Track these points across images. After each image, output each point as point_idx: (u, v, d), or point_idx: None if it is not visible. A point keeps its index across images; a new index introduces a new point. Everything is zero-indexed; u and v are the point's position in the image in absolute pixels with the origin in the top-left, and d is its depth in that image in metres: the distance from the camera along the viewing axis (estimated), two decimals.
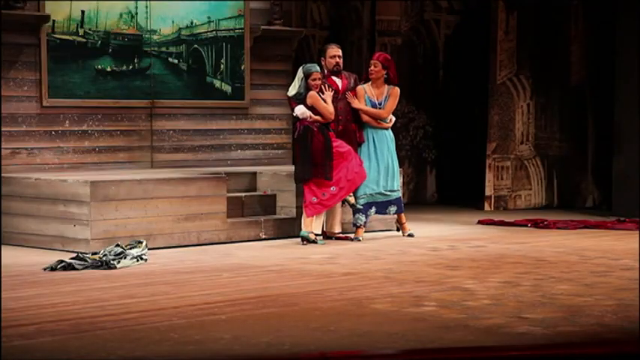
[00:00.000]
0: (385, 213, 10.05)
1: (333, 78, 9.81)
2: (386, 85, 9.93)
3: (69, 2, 10.02)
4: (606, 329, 5.70)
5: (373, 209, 9.97)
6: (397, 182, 10.05)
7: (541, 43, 12.84)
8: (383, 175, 9.92)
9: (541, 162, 13.01)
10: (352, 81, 9.94)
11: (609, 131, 12.21)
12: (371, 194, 9.90)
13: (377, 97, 9.90)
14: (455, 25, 13.62)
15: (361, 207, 9.84)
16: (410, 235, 10.07)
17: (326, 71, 9.79)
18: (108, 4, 10.27)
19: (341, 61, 9.85)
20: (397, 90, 9.96)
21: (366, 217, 9.95)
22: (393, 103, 9.93)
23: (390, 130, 10.05)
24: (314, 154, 9.45)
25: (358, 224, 9.89)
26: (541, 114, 13.00)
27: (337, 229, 9.91)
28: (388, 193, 9.97)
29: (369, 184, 9.87)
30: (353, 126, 9.85)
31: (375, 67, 9.90)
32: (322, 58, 9.86)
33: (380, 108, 9.90)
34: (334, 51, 9.84)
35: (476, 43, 13.28)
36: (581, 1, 12.95)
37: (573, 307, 6.30)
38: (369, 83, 9.93)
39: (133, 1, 10.43)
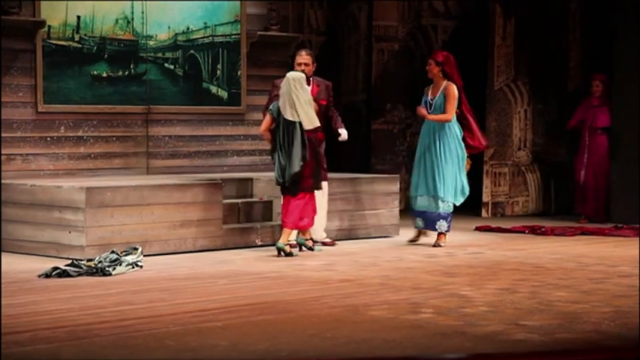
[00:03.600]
0: (434, 229, 9.76)
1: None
2: (444, 81, 9.73)
3: (64, 8, 9.97)
4: (604, 336, 5.70)
5: (420, 222, 9.80)
6: (442, 190, 9.63)
7: (539, 49, 12.82)
8: (422, 177, 9.76)
9: (539, 168, 12.99)
10: (324, 88, 9.78)
11: (607, 137, 12.15)
12: (414, 198, 9.79)
13: (432, 94, 9.78)
14: (452, 31, 13.59)
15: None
16: (437, 245, 9.76)
17: None
18: (104, 9, 10.22)
19: (309, 67, 9.58)
20: (451, 86, 9.66)
21: (421, 224, 9.80)
22: (450, 103, 9.62)
23: (446, 126, 9.67)
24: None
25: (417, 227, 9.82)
26: (539, 120, 12.98)
27: (321, 235, 9.86)
28: (434, 203, 9.69)
29: (412, 186, 9.83)
30: (320, 135, 9.66)
31: (428, 65, 9.82)
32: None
33: (432, 105, 9.69)
34: (301, 58, 9.59)
35: (473, 48, 13.25)
36: (579, 7, 12.94)
37: (571, 314, 6.30)
38: (433, 84, 9.82)
39: (129, 7, 10.39)
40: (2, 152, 9.68)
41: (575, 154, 12.25)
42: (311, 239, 9.54)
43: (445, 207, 9.70)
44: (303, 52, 9.74)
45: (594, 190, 11.99)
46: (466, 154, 9.80)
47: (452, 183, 9.69)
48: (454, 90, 9.70)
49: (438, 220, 9.73)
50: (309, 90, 9.35)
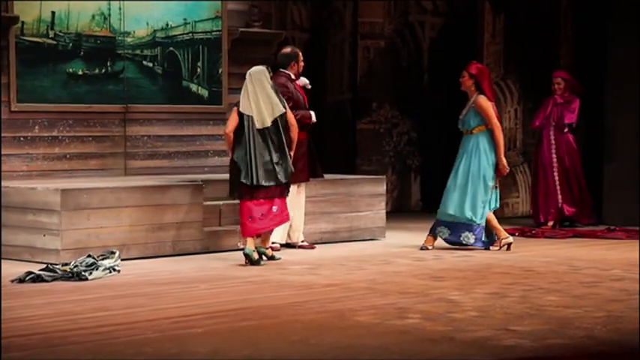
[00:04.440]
0: (459, 242, 9.63)
1: (298, 82, 9.63)
2: (474, 94, 9.52)
3: (38, 3, 9.92)
4: (596, 342, 5.70)
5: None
6: (469, 209, 9.46)
7: (529, 47, 12.87)
8: (451, 194, 9.58)
9: (529, 169, 12.93)
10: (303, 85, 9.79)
11: (599, 137, 12.15)
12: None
13: (465, 109, 9.60)
14: (440, 28, 13.62)
15: None
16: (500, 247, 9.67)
17: (293, 76, 9.53)
18: (79, 5, 10.16)
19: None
20: (480, 99, 9.45)
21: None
22: (488, 117, 9.42)
23: (473, 142, 9.53)
24: None
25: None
26: (529, 119, 12.93)
27: (299, 238, 9.78)
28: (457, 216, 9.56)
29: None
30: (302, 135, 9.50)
31: (462, 77, 9.62)
32: (293, 63, 9.53)
33: (462, 121, 9.56)
34: (301, 56, 9.62)
35: (462, 46, 13.21)
36: (570, 4, 12.91)
37: (562, 319, 6.29)
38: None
39: (106, 2, 10.34)
40: None
41: (537, 153, 11.95)
42: (285, 244, 9.56)
43: (463, 220, 9.57)
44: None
45: (579, 192, 11.82)
46: (493, 174, 9.58)
47: (469, 199, 9.52)
48: (484, 100, 9.53)
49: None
50: (270, 84, 8.95)
